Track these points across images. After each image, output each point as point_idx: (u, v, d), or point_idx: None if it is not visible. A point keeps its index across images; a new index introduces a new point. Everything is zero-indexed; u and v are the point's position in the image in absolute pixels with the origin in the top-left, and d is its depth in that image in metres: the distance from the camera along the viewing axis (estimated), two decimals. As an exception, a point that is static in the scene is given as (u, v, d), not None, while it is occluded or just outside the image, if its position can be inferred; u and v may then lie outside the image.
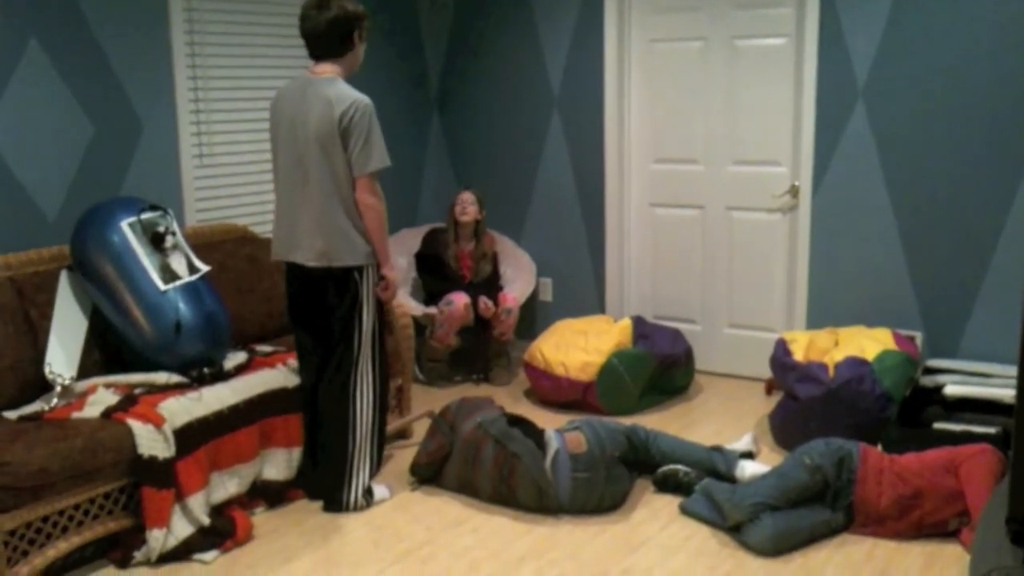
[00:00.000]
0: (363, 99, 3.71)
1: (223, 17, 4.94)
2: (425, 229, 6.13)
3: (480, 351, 5.66)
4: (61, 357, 3.82)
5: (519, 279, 5.91)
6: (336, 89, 3.70)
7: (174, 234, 4.05)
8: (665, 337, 5.28)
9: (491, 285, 5.69)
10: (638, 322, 5.35)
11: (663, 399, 5.28)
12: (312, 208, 3.77)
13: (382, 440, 4.12)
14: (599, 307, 5.90)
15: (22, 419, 3.59)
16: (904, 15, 4.76)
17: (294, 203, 3.82)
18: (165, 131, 4.72)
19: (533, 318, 6.12)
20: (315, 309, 3.93)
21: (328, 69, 3.79)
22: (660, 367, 5.16)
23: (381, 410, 4.04)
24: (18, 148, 4.15)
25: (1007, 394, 4.13)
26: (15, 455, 3.24)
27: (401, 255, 5.92)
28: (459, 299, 5.36)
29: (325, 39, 3.75)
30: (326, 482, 4.01)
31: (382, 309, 4.01)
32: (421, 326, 5.55)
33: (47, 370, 3.77)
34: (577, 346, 5.13)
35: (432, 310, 5.47)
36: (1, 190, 4.11)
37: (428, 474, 4.22)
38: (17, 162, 4.15)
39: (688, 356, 5.32)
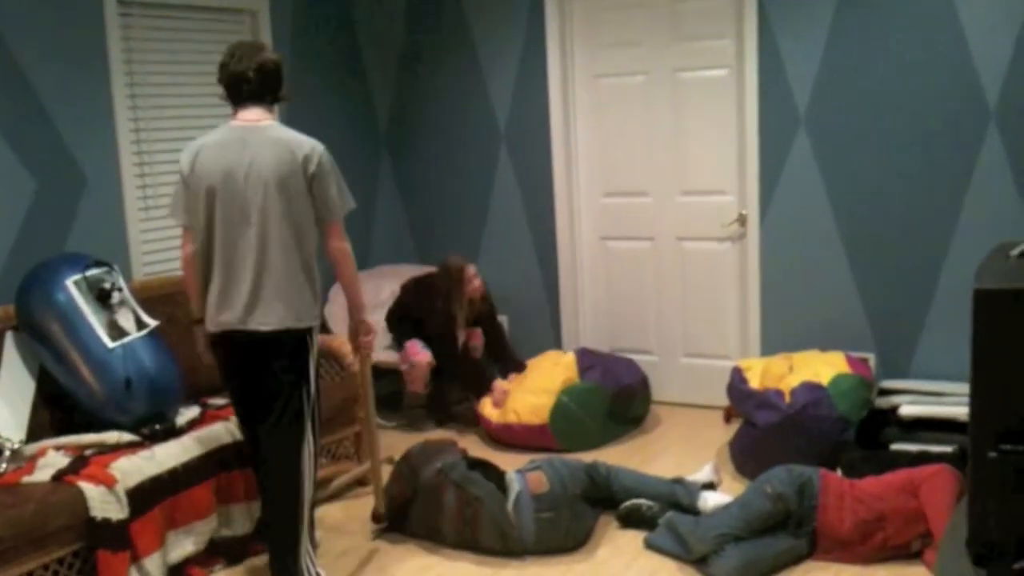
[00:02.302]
0: (319, 143, 3.45)
1: (164, 68, 4.91)
2: (378, 272, 6.09)
3: (445, 396, 5.66)
4: (9, 420, 3.73)
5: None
6: (289, 134, 3.41)
7: (120, 290, 3.99)
8: (618, 366, 5.26)
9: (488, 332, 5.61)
10: (583, 354, 5.30)
11: (624, 430, 5.23)
12: (272, 268, 3.37)
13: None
14: (556, 342, 5.89)
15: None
16: (841, 43, 4.84)
17: (241, 264, 3.38)
18: (109, 185, 4.66)
19: (490, 356, 6.10)
20: (260, 378, 3.47)
21: (262, 116, 3.43)
22: (616, 397, 5.12)
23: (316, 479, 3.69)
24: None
25: (961, 412, 4.17)
26: (-36, 524, 3.16)
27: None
28: (421, 357, 5.34)
29: (257, 83, 3.40)
30: (275, 558, 3.56)
31: (318, 373, 3.61)
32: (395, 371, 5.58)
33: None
34: (524, 388, 5.09)
35: (397, 361, 5.47)
36: (-59, 252, 4.03)
37: (391, 521, 4.17)
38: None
39: (644, 384, 5.31)
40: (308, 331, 3.48)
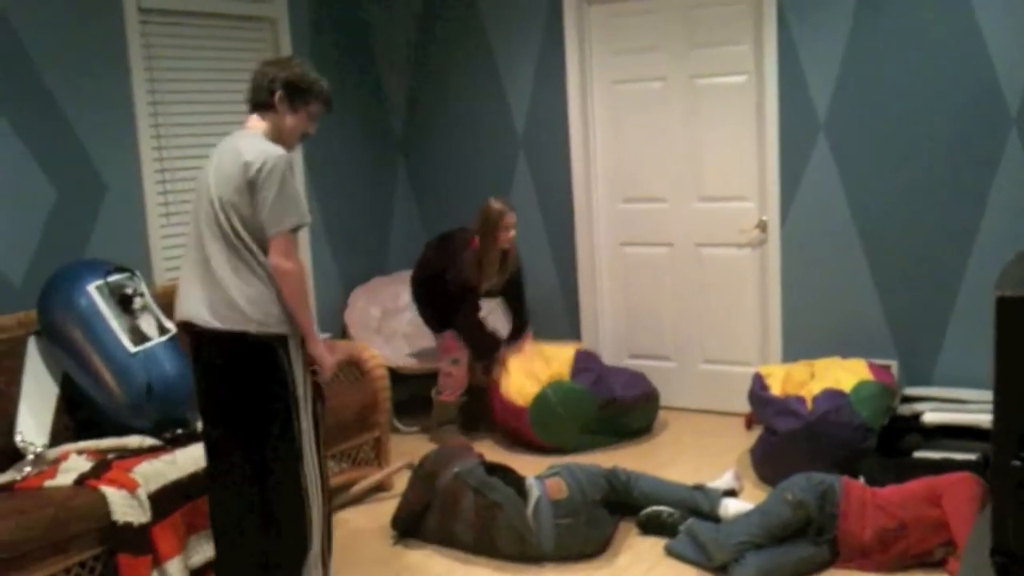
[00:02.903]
0: (277, 151, 3.23)
1: (185, 75, 4.94)
2: (396, 277, 6.10)
3: (479, 409, 5.45)
4: (32, 425, 3.76)
5: (495, 323, 5.89)
6: (248, 142, 3.27)
7: (142, 295, 4.01)
8: (620, 379, 5.19)
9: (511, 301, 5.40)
10: (582, 356, 5.21)
11: (613, 441, 5.17)
12: (218, 272, 3.25)
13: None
14: (574, 348, 5.88)
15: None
16: (861, 48, 4.82)
17: (197, 263, 3.31)
18: (130, 191, 4.69)
19: (508, 362, 6.09)
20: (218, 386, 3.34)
21: (257, 124, 3.37)
22: (604, 407, 5.06)
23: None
24: (-21, 214, 4.11)
25: (984, 419, 4.14)
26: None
27: (373, 304, 5.90)
28: (462, 355, 5.23)
29: (254, 85, 3.39)
30: None
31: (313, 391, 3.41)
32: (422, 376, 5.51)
33: (18, 439, 3.70)
34: (525, 369, 5.11)
35: (442, 365, 5.29)
36: (-36, 257, 4.06)
37: (408, 527, 4.17)
38: (-21, 228, 4.11)
39: (646, 399, 5.24)
40: (278, 339, 3.27)
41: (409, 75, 6.22)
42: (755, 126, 5.21)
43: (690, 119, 5.41)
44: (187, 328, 3.34)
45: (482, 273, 5.08)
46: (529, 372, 5.07)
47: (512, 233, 5.07)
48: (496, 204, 5.04)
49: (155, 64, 4.77)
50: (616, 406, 5.10)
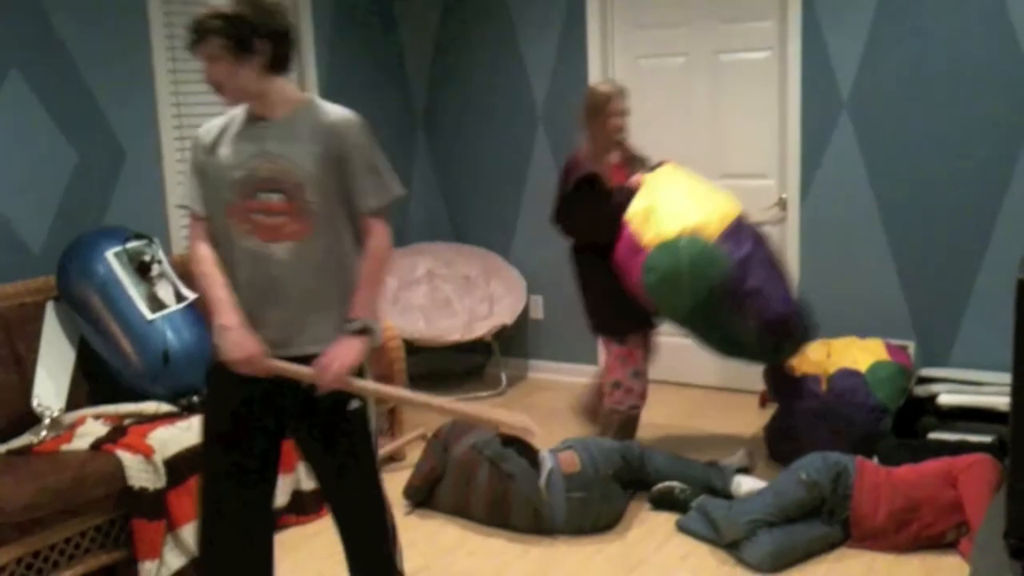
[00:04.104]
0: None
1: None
2: (414, 249, 6.10)
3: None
4: (49, 389, 3.79)
5: (509, 296, 5.90)
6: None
7: (160, 262, 4.03)
8: (773, 284, 4.08)
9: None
10: (738, 226, 4.07)
11: (717, 349, 4.27)
12: None
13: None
14: (590, 323, 5.87)
15: (11, 453, 3.55)
16: (886, 25, 4.77)
17: None
18: (149, 158, 4.69)
19: (524, 336, 6.10)
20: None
21: None
22: (733, 302, 3.99)
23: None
24: (0, 179, 4.12)
25: (1001, 402, 4.12)
26: (4, 490, 3.21)
27: (390, 276, 5.90)
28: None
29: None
30: None
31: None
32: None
33: (35, 403, 3.74)
34: (671, 203, 4.08)
35: (620, 377, 4.31)
36: (-15, 222, 4.09)
37: (422, 497, 4.20)
38: (0, 194, 4.12)
39: (799, 326, 4.18)
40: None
41: (431, 50, 6.18)
42: (777, 103, 5.16)
43: (712, 95, 5.37)
44: None
45: (600, 162, 4.24)
46: (674, 210, 4.04)
47: (623, 121, 4.26)
48: (602, 87, 4.30)
49: (176, 32, 4.76)
50: (759, 314, 4.03)
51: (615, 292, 4.23)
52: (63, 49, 4.30)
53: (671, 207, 4.06)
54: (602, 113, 4.23)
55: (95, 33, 4.42)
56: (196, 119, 4.88)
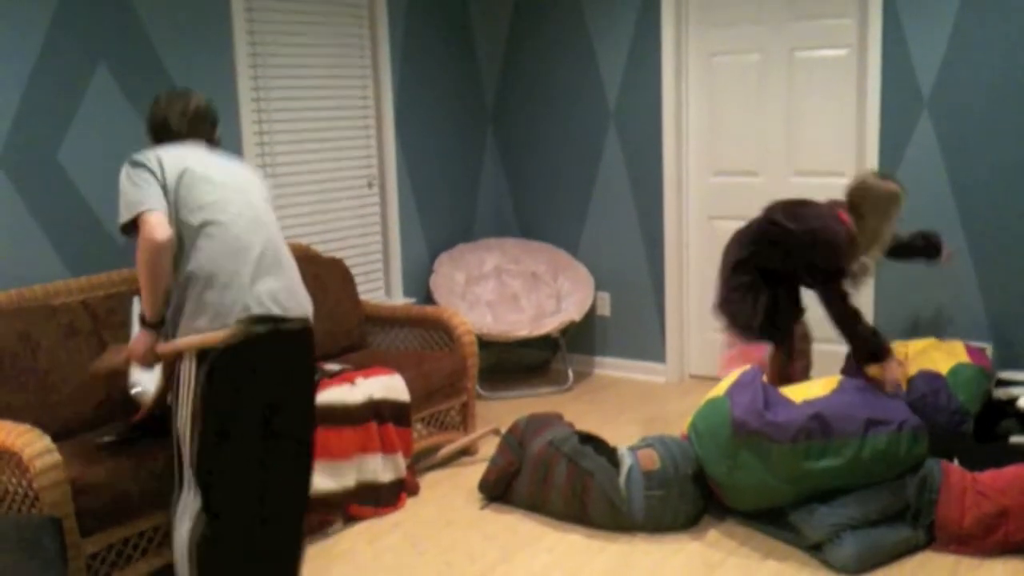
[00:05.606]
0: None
1: (286, 39, 4.98)
2: (481, 244, 6.12)
3: None
4: (144, 376, 3.83)
5: (576, 293, 5.90)
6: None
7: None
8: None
9: None
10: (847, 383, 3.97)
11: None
12: None
13: None
14: (659, 321, 5.87)
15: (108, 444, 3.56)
16: (970, 22, 4.70)
17: None
18: (230, 151, 4.73)
19: (591, 333, 6.10)
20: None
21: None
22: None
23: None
24: (88, 172, 4.19)
25: (1084, 406, 4.07)
26: (98, 478, 3.27)
27: (458, 270, 5.93)
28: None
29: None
30: None
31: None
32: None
33: (133, 390, 3.77)
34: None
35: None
36: (72, 214, 4.15)
37: (497, 491, 4.21)
38: (87, 186, 4.20)
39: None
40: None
41: (503, 45, 6.20)
42: (855, 101, 5.11)
43: (788, 92, 5.33)
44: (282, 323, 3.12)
45: (852, 256, 4.10)
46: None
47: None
48: (892, 185, 4.12)
49: (256, 26, 4.81)
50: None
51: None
52: (148, 43, 4.36)
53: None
54: (892, 206, 4.10)
55: (179, 29, 4.48)
56: (276, 115, 4.94)
